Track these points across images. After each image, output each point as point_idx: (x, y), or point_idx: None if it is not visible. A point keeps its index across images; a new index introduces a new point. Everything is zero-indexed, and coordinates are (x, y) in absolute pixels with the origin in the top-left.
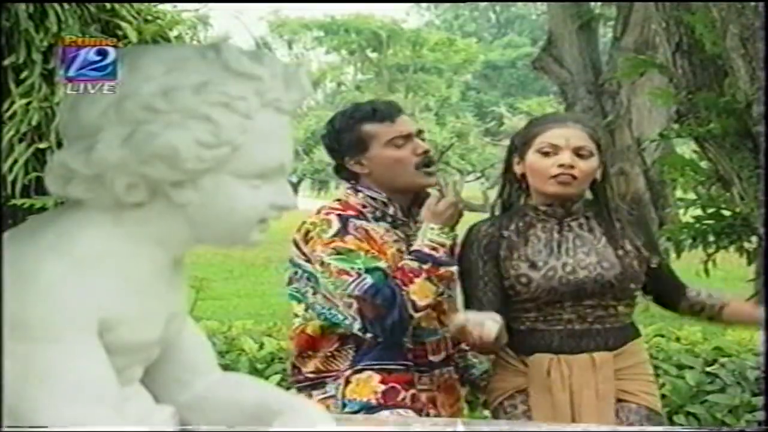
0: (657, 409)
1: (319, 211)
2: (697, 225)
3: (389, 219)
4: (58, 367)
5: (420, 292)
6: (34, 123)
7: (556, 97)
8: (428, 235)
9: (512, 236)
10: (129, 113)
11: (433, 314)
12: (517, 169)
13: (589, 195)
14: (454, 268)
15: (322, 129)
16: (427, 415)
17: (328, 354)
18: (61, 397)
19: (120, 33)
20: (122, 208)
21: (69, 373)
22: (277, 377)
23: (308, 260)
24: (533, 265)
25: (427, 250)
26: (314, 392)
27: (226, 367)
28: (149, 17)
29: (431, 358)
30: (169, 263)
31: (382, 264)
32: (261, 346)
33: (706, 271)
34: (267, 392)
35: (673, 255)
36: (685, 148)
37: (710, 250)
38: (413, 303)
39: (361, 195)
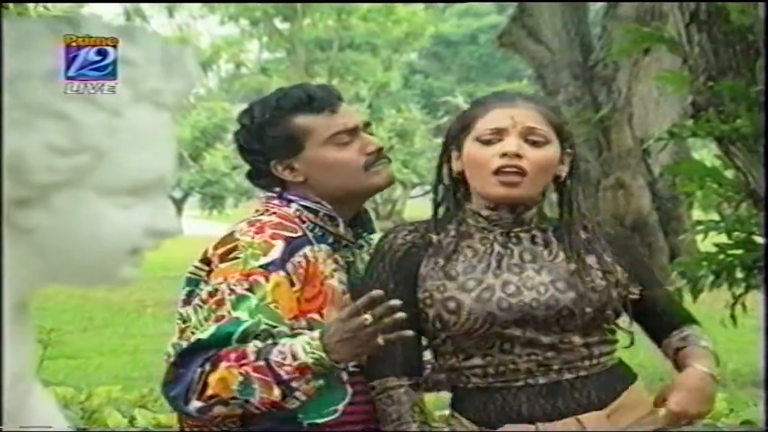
0: None
1: (252, 224)
2: (721, 256)
3: (331, 240)
4: None
5: (220, 382)
6: None
7: (531, 82)
8: (301, 340)
9: (439, 247)
10: None
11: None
12: (455, 165)
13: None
14: (275, 397)
15: (218, 125)
16: None
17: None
18: None
19: None
20: None
21: None
22: None
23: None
24: (463, 286)
25: (275, 353)
26: None
27: None
28: None
29: None
30: (9, 309)
31: (273, 326)
32: (131, 421)
33: (733, 318)
34: None
35: (688, 297)
36: (705, 153)
37: (738, 290)
38: (203, 387)
39: (294, 206)
